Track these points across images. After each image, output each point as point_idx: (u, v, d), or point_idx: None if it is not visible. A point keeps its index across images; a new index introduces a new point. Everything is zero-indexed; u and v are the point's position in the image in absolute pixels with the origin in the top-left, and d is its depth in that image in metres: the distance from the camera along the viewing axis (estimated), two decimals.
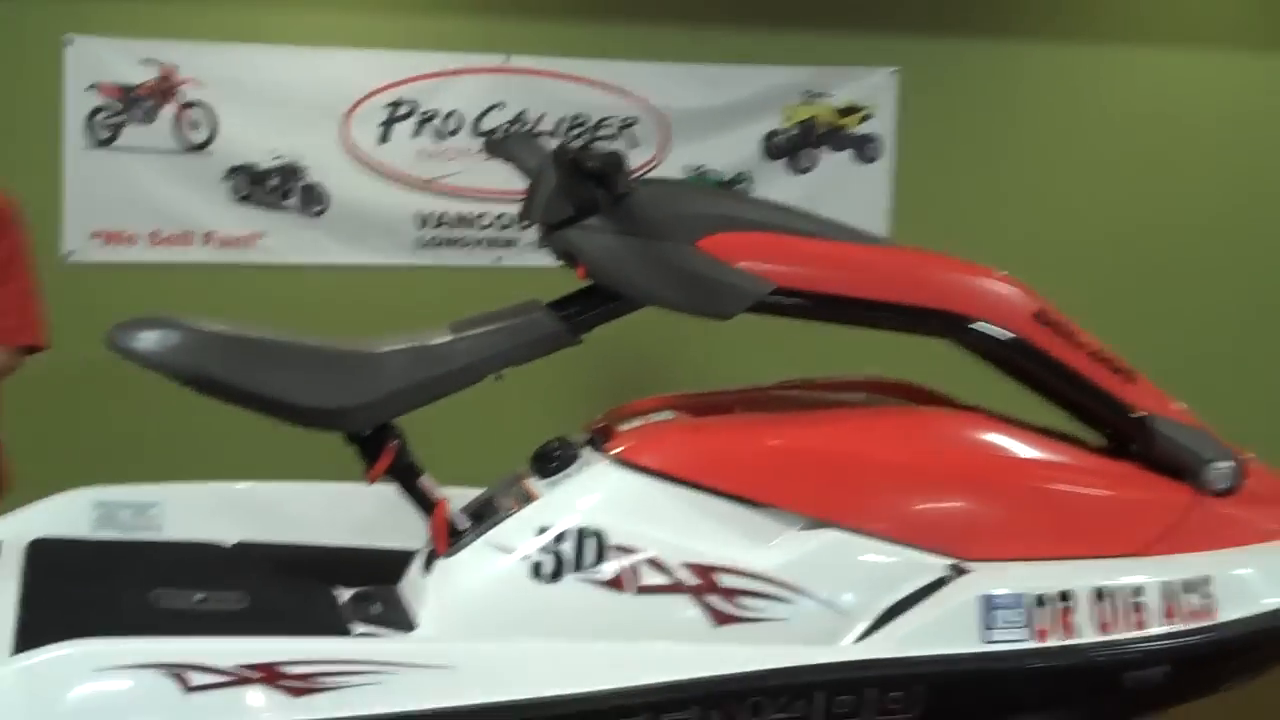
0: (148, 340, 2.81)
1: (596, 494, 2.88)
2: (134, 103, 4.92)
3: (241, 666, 2.47)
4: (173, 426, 4.87)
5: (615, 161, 2.83)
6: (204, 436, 4.75)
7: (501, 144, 3.43)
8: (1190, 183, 6.05)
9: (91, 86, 4.88)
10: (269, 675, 2.48)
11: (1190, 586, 3.00)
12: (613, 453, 2.93)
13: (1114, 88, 5.97)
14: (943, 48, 5.72)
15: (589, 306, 3.00)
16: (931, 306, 3.06)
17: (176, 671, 2.45)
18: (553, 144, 3.16)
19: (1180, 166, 6.03)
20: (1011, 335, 3.07)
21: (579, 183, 2.89)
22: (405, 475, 2.97)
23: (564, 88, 5.32)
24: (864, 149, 5.62)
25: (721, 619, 2.81)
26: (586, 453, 2.98)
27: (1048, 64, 5.91)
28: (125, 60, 4.91)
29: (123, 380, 4.72)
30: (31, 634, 2.59)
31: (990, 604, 2.85)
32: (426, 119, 5.18)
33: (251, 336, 2.88)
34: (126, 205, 4.97)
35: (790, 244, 3.00)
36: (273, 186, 5.05)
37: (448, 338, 2.94)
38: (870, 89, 5.61)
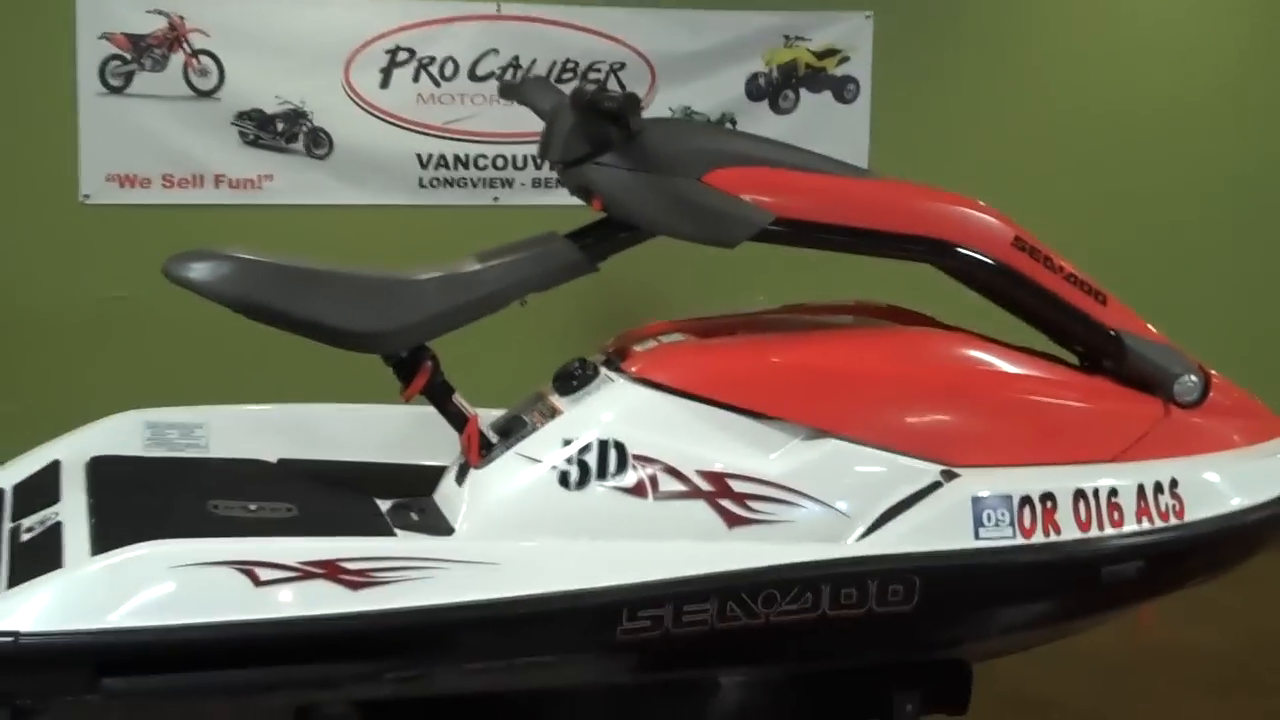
0: (201, 270, 2.97)
1: (617, 409, 3.10)
2: (144, 51, 5.08)
3: (305, 563, 2.67)
4: (191, 356, 5.13)
5: (632, 102, 3.05)
6: (227, 365, 5.03)
7: (516, 87, 3.62)
8: (1164, 115, 6.23)
9: (103, 36, 5.03)
10: (330, 571, 2.68)
11: (1161, 489, 3.24)
12: (630, 371, 3.17)
13: (1086, 25, 6.15)
14: None
15: (604, 237, 3.22)
16: (919, 234, 3.27)
17: (247, 568, 2.65)
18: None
19: (1155, 101, 6.21)
20: (993, 259, 3.29)
21: (594, 122, 3.10)
22: (439, 393, 3.16)
23: (554, 33, 5.49)
24: (842, 90, 5.81)
25: (733, 521, 3.03)
26: (605, 372, 3.20)
27: (1020, 5, 6.11)
28: (134, 11, 5.05)
29: (149, 312, 5.00)
30: (106, 538, 2.79)
31: (980, 505, 3.08)
32: (425, 65, 5.37)
33: (297, 266, 3.05)
34: (140, 150, 5.12)
35: (789, 178, 3.20)
36: (279, 130, 5.23)
37: (477, 266, 3.15)
38: (847, 32, 5.80)
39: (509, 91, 3.66)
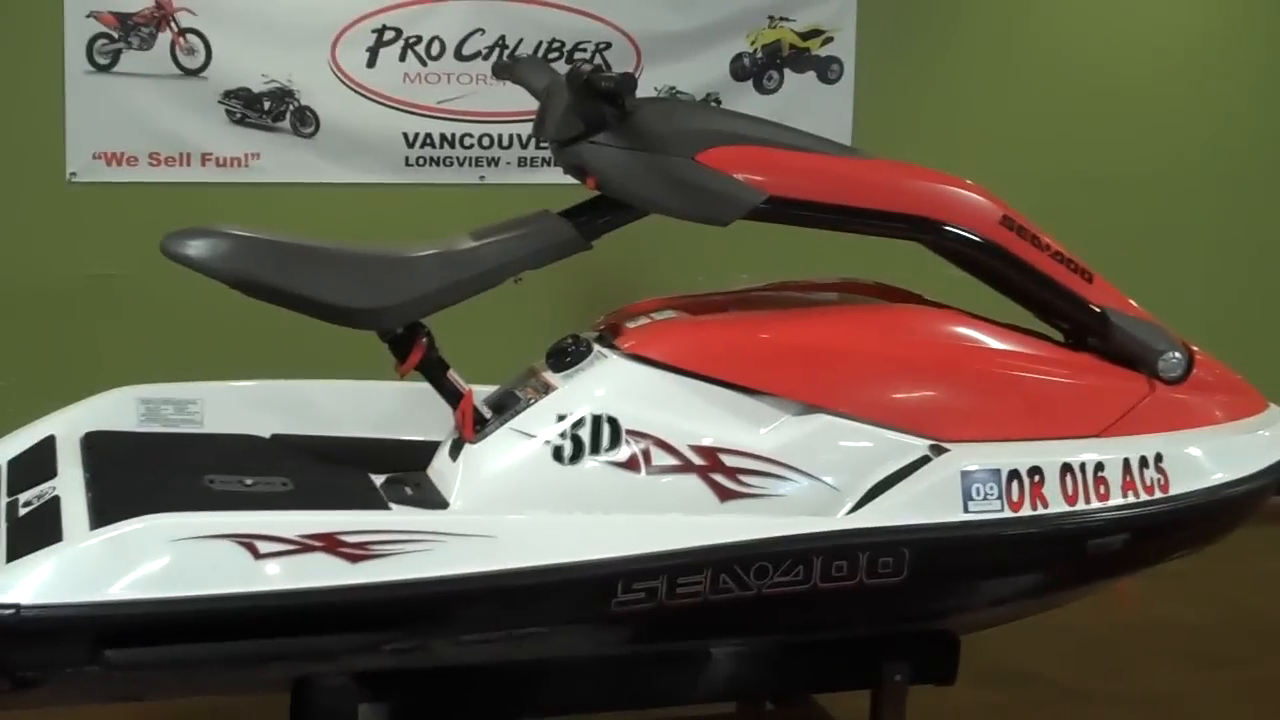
0: (198, 247, 3.00)
1: (610, 384, 3.14)
2: (131, 30, 5.08)
3: (304, 536, 2.70)
4: (180, 333, 5.15)
5: (628, 82, 3.08)
6: (218, 342, 5.05)
7: (510, 66, 3.64)
8: (1157, 90, 6.24)
9: (90, 14, 5.03)
10: (329, 543, 2.71)
11: (1146, 463, 3.29)
12: (623, 347, 3.20)
13: (1068, 5, 6.18)
14: None
15: (598, 215, 3.25)
16: (908, 212, 3.31)
17: (246, 541, 2.68)
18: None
19: (1142, 78, 6.22)
20: (981, 237, 3.33)
21: (589, 101, 3.12)
22: (434, 369, 3.19)
23: (540, 13, 5.50)
24: (826, 71, 5.83)
25: (725, 495, 3.08)
26: (598, 348, 3.23)
27: None
28: None
29: (137, 290, 5.02)
30: (105, 512, 2.81)
31: (968, 479, 3.13)
32: (411, 44, 5.38)
33: (292, 242, 3.08)
34: (127, 128, 5.13)
35: (780, 157, 3.23)
36: (266, 109, 5.24)
37: (472, 243, 3.17)
38: (831, 13, 5.80)
39: (503, 70, 3.68)
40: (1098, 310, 3.43)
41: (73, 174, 5.11)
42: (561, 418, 3.08)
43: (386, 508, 3.09)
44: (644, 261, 4.88)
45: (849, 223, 3.32)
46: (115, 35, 5.07)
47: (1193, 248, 6.37)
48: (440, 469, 3.19)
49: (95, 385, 3.50)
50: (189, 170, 5.21)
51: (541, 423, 3.09)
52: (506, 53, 5.43)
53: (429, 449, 3.28)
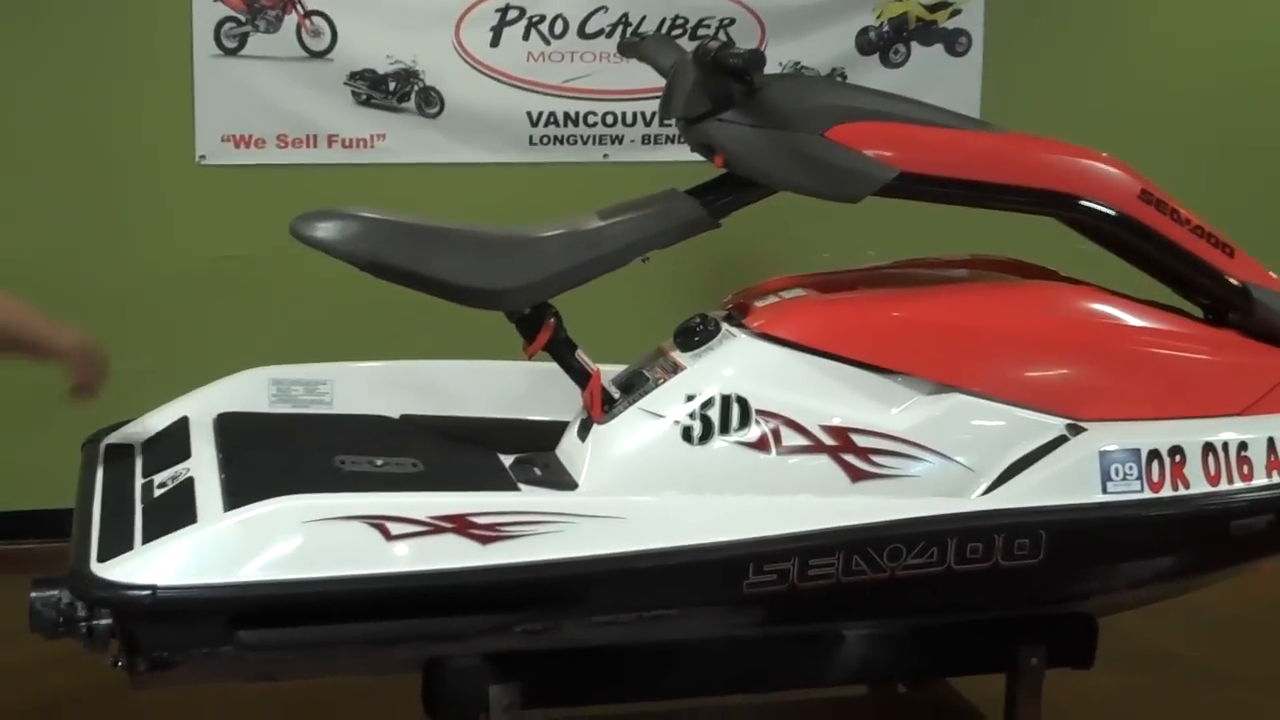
0: (327, 229, 3.02)
1: (739, 364, 3.10)
2: (258, 13, 5.12)
3: (435, 518, 2.70)
4: (308, 315, 5.20)
5: (757, 59, 3.04)
6: (346, 323, 5.09)
7: (636, 45, 3.62)
8: None
9: None
10: (460, 525, 2.70)
11: None
12: (753, 326, 3.17)
13: None
14: None
15: (727, 193, 3.20)
16: (1043, 187, 3.24)
17: (377, 523, 2.68)
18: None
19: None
20: (1119, 211, 3.25)
21: (717, 79, 3.10)
22: (562, 349, 3.18)
23: None
24: (954, 44, 5.74)
25: (857, 475, 3.03)
26: (726, 327, 3.20)
27: None
28: None
29: (266, 272, 5.07)
30: (239, 494, 2.84)
31: (1107, 459, 3.06)
32: (535, 23, 5.37)
33: (421, 224, 3.08)
34: (254, 110, 5.17)
35: (911, 132, 3.18)
36: (391, 90, 5.26)
37: (599, 223, 3.15)
38: None
39: (629, 49, 3.66)
40: (1239, 285, 3.34)
41: (202, 156, 5.16)
42: (690, 397, 3.05)
43: (516, 488, 3.09)
44: (770, 240, 4.83)
45: (983, 198, 3.26)
46: (242, 19, 5.11)
47: None
48: (569, 449, 3.18)
49: (227, 367, 3.53)
50: (316, 152, 5.23)
51: (670, 402, 3.06)
52: (630, 30, 5.41)
53: (558, 429, 3.27)
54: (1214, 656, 4.54)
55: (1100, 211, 3.25)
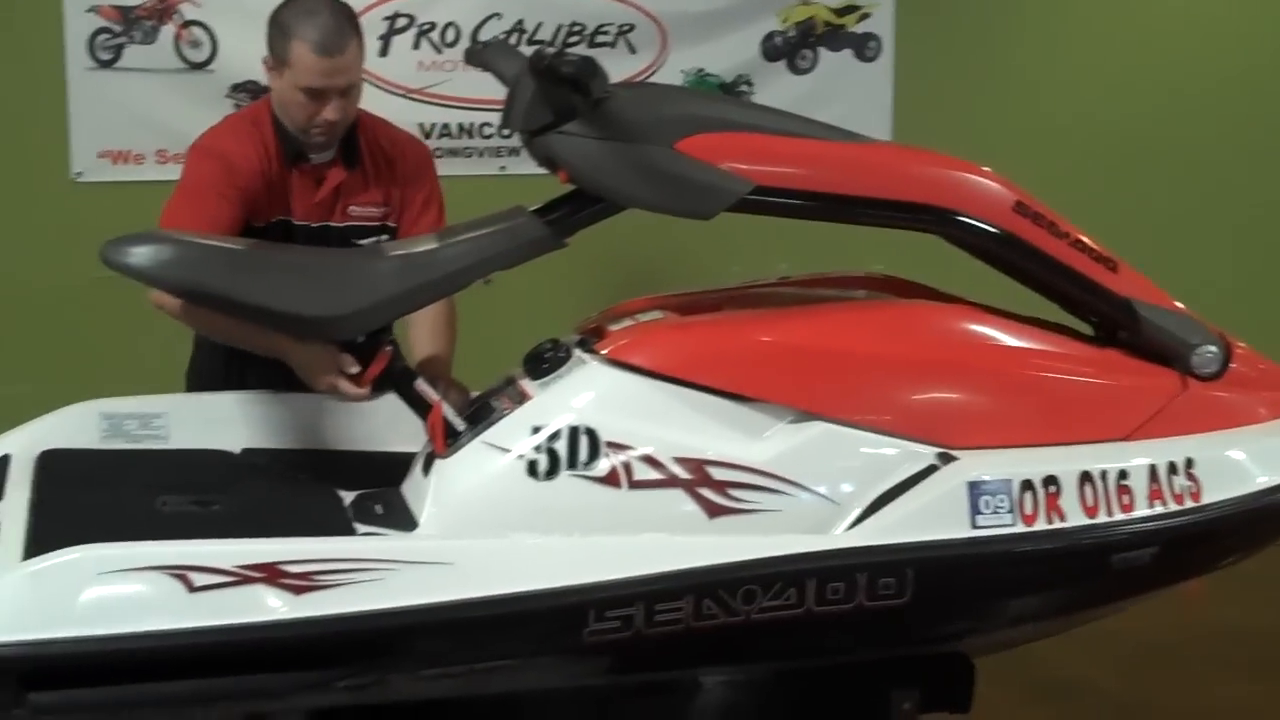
0: (141, 255, 2.88)
1: (588, 393, 2.91)
2: (133, 24, 4.94)
3: (243, 567, 2.52)
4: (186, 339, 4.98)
5: (589, 67, 2.83)
6: None
7: (480, 53, 3.47)
8: (1202, 74, 6.01)
9: (91, 9, 4.90)
10: (271, 575, 2.53)
11: (1176, 469, 3.04)
12: (603, 352, 2.98)
13: None
14: None
15: (573, 210, 3.01)
16: (913, 200, 3.06)
17: (180, 573, 2.50)
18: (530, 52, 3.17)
19: (1192, 58, 5.99)
20: (992, 225, 3.08)
21: (557, 89, 2.91)
22: (400, 379, 3.03)
23: None
24: (863, 48, 5.59)
25: (715, 511, 2.85)
26: (578, 353, 3.01)
27: None
28: None
29: (144, 293, 4.86)
30: (41, 541, 2.65)
31: (977, 490, 2.88)
32: (425, 31, 5.20)
33: (243, 249, 2.94)
34: (132, 125, 5.00)
35: (769, 143, 2.99)
36: None
37: (434, 245, 2.98)
38: None
39: (473, 57, 3.53)
40: (1121, 300, 3.17)
41: (78, 173, 5.00)
42: (536, 429, 2.86)
43: (350, 530, 2.90)
44: (677, 252, 4.67)
45: (847, 213, 3.08)
46: (117, 29, 4.95)
47: (1243, 234, 6.10)
48: (413, 486, 3.00)
49: (107, 392, 3.34)
50: None
51: (515, 435, 2.87)
52: (526, 38, 5.26)
53: (410, 461, 3.08)
54: (1130, 686, 4.43)
55: (972, 226, 3.07)
